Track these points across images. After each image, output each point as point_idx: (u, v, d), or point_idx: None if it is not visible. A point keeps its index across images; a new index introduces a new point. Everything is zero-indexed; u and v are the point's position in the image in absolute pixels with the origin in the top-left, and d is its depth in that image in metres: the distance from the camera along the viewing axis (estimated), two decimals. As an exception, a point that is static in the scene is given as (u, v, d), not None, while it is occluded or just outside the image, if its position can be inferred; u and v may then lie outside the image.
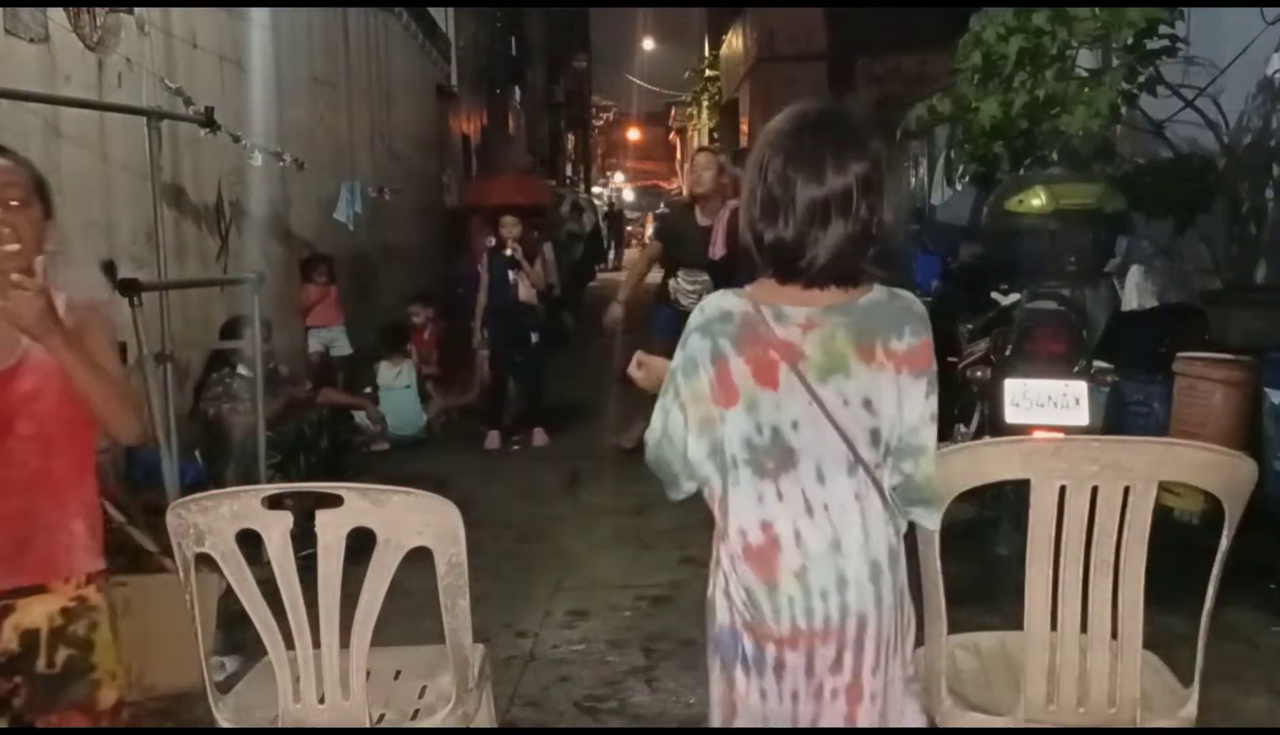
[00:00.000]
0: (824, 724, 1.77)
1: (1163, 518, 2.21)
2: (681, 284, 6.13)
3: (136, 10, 5.50)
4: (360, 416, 7.15)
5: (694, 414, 1.79)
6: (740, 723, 1.82)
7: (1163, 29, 4.77)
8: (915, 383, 1.75)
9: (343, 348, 7.84)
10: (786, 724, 1.78)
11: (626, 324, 6.38)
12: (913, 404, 1.76)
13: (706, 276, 5.94)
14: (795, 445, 1.74)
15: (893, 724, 1.81)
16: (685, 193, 6.17)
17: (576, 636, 3.87)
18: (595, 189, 37.22)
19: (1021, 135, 5.11)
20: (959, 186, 6.53)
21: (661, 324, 6.40)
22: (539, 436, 7.18)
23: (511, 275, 7.30)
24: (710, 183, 6.00)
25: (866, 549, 1.74)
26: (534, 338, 7.37)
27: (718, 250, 5.89)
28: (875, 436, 1.74)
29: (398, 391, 7.40)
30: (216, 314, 5.90)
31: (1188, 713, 2.13)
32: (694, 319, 1.83)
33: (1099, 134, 4.96)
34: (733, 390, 1.75)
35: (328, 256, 7.96)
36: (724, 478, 1.79)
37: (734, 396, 1.75)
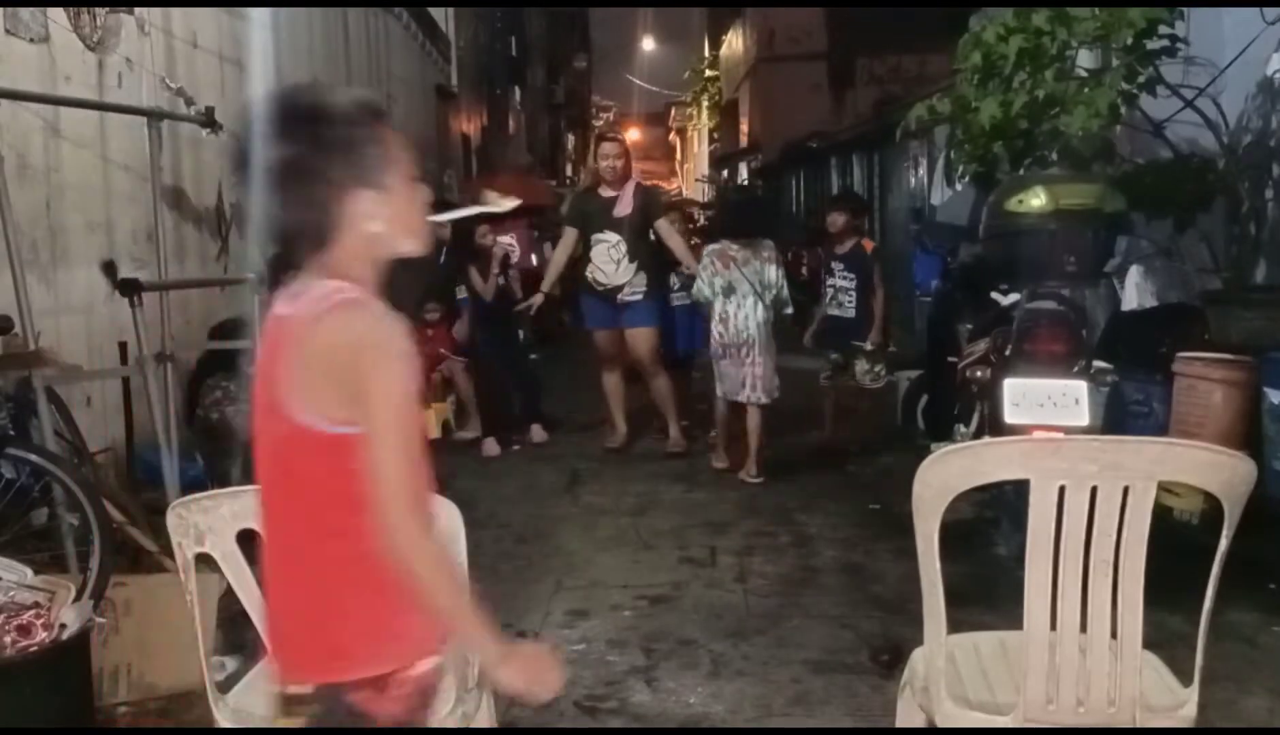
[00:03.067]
0: (745, 377, 5.86)
1: (1162, 517, 2.21)
2: (596, 262, 6.52)
3: (136, 10, 5.50)
4: None
5: (707, 280, 5.92)
6: (719, 379, 6.01)
7: (1162, 29, 4.77)
8: (772, 265, 5.90)
9: None
10: (735, 375, 5.90)
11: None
12: (773, 273, 5.89)
13: (615, 235, 6.44)
14: (736, 288, 5.85)
15: (769, 375, 5.87)
16: (592, 177, 6.72)
17: (576, 636, 3.87)
18: (595, 189, 37.11)
19: (1021, 135, 5.10)
20: (959, 186, 6.53)
21: (591, 314, 6.58)
22: (537, 433, 7.18)
23: (502, 279, 7.31)
24: (622, 168, 6.56)
25: (756, 317, 5.82)
26: (522, 335, 7.37)
27: (624, 209, 6.46)
28: (761, 284, 5.85)
29: None
30: (217, 314, 5.90)
31: (1187, 712, 2.13)
32: (705, 252, 6.14)
33: (1099, 134, 4.95)
34: (716, 271, 5.90)
35: None
36: (714, 299, 5.93)
37: (717, 272, 5.89)
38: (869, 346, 6.61)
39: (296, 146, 1.52)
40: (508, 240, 8.78)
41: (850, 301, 6.68)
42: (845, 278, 6.72)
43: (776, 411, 6.26)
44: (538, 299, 6.81)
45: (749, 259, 5.88)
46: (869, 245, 6.83)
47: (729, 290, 5.84)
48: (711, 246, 6.09)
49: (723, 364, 5.94)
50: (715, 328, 5.93)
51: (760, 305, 5.84)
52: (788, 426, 6.83)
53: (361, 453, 1.48)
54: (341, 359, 1.48)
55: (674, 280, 6.91)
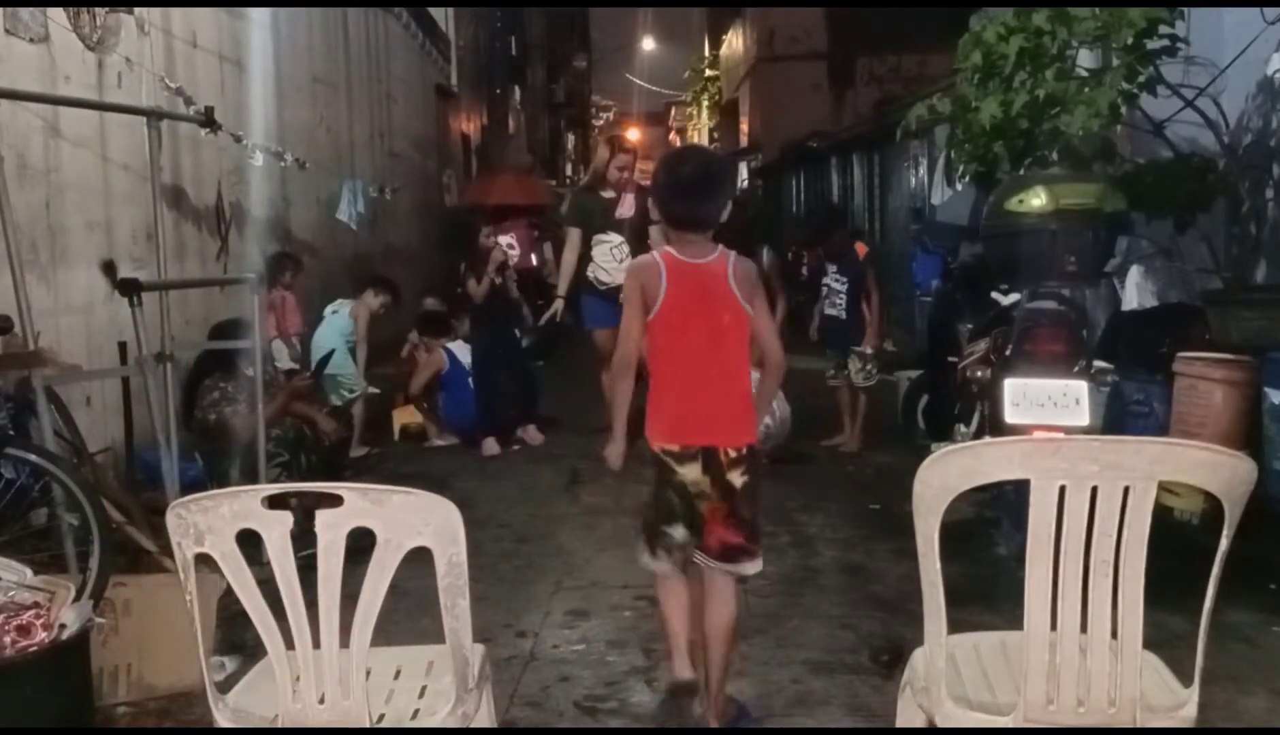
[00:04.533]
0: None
1: (1163, 518, 2.21)
2: (597, 262, 6.52)
3: (136, 10, 5.50)
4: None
5: None
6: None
7: (1163, 29, 4.76)
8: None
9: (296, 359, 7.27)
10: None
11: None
12: None
13: (617, 235, 6.46)
14: None
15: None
16: (593, 177, 6.78)
17: (576, 636, 3.87)
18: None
19: (1021, 135, 5.09)
20: (959, 186, 6.53)
21: (592, 314, 6.56)
22: (532, 434, 7.17)
23: (499, 279, 7.33)
24: (629, 178, 6.61)
25: None
26: (521, 337, 7.38)
27: (626, 210, 6.50)
28: None
29: (340, 319, 7.18)
30: (217, 314, 5.90)
31: (1188, 713, 2.12)
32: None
33: (1099, 134, 4.95)
34: None
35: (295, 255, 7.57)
36: None
37: None
38: (867, 351, 6.69)
39: (720, 178, 3.05)
40: (508, 240, 8.81)
41: (841, 302, 6.78)
42: (838, 280, 6.81)
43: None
44: (559, 305, 6.72)
45: None
46: (862, 250, 6.91)
47: None
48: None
49: None
50: None
51: None
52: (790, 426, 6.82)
53: (755, 324, 2.98)
54: (751, 280, 3.00)
55: None
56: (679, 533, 2.95)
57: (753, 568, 3.01)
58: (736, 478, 2.93)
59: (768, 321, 3.05)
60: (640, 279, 3.01)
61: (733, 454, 2.93)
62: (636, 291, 2.99)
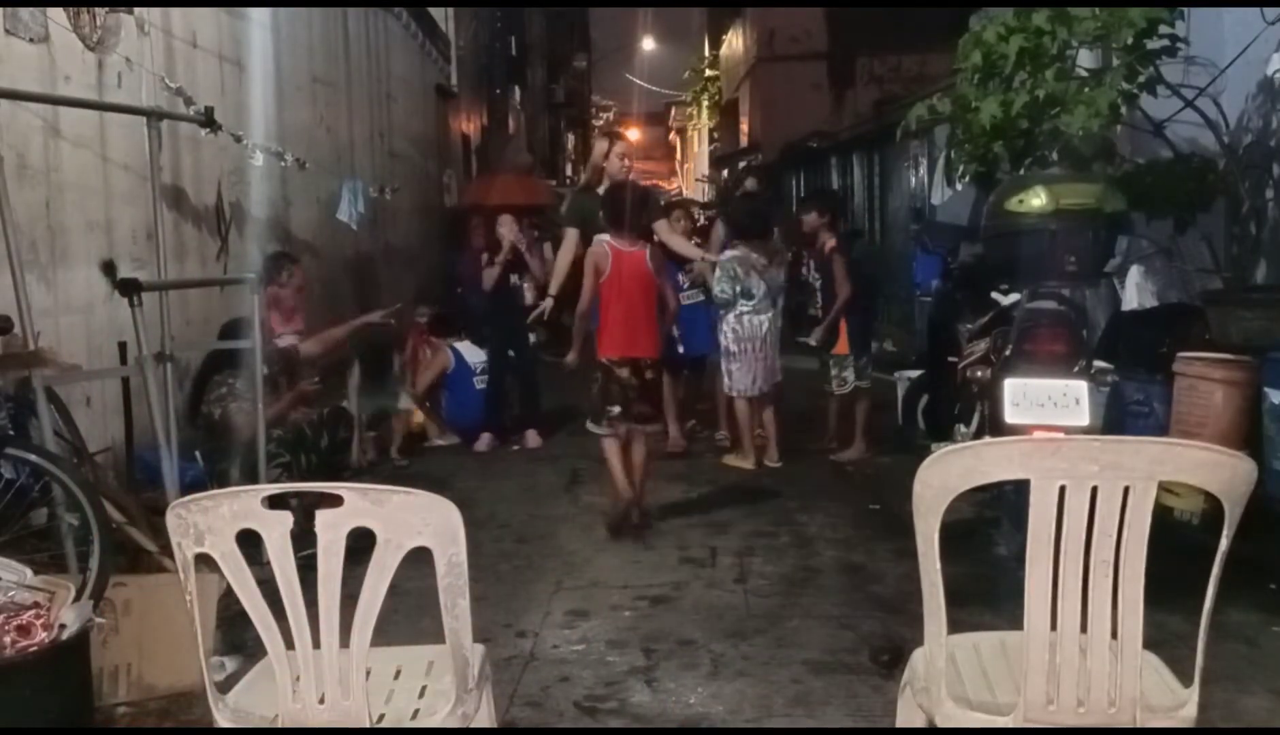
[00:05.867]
0: (760, 371, 6.48)
1: (1163, 518, 2.21)
2: None
3: (136, 10, 5.49)
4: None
5: (729, 285, 6.49)
6: (735, 379, 6.46)
7: (1163, 29, 4.77)
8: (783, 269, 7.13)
9: None
10: (749, 372, 6.44)
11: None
12: (783, 276, 6.97)
13: None
14: (754, 292, 6.47)
15: (778, 364, 6.56)
16: (593, 175, 6.54)
17: (576, 636, 3.87)
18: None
19: (1021, 135, 5.10)
20: (959, 186, 6.53)
21: (592, 313, 6.47)
22: (531, 438, 7.18)
23: (514, 278, 7.30)
24: (631, 168, 6.48)
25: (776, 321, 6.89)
26: (532, 339, 7.38)
27: None
28: (776, 286, 6.86)
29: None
30: (216, 314, 5.90)
31: (1188, 713, 2.12)
32: (725, 258, 6.52)
33: (1099, 134, 4.95)
34: (737, 277, 6.44)
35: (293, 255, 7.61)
36: (733, 301, 6.49)
37: (738, 278, 6.45)
38: (812, 342, 6.61)
39: (645, 203, 5.34)
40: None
41: (820, 301, 6.68)
42: (815, 278, 6.72)
43: (775, 409, 6.33)
44: (547, 304, 6.67)
45: (767, 266, 6.40)
46: (829, 245, 6.75)
47: (748, 294, 6.31)
48: (731, 254, 6.45)
49: (738, 363, 6.32)
50: (730, 328, 6.32)
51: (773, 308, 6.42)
52: (788, 426, 6.82)
53: (662, 288, 5.25)
54: (658, 261, 5.25)
55: (682, 279, 6.87)
56: (616, 409, 5.00)
57: (653, 428, 5.30)
58: (649, 374, 5.12)
59: (668, 285, 5.32)
60: (595, 258, 5.12)
61: (647, 361, 5.08)
62: (593, 266, 5.12)
